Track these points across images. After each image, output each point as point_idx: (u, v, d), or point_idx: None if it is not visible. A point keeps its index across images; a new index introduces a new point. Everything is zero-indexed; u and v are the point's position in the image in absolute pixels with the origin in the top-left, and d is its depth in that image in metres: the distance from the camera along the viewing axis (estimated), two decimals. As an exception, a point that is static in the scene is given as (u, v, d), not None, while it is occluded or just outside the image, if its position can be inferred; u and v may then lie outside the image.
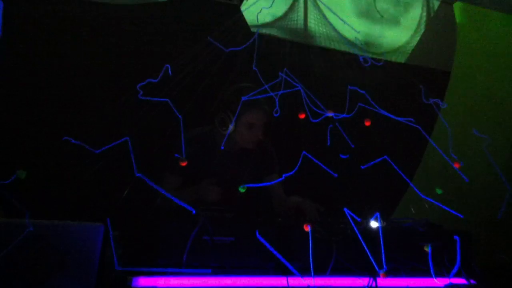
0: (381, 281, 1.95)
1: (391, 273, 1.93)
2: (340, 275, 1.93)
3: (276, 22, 3.38)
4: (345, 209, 1.93)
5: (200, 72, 2.61)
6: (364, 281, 1.94)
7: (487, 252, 2.62)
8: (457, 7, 3.87)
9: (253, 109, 2.69)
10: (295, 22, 3.41)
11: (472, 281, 2.09)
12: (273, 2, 3.11)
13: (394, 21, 3.78)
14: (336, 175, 2.21)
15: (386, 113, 2.38)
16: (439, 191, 2.26)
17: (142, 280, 1.70)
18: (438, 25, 3.87)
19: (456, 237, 1.99)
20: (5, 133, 2.76)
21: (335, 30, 3.42)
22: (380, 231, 1.90)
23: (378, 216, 1.98)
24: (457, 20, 3.87)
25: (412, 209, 2.62)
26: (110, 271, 1.73)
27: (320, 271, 1.86)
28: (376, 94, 2.44)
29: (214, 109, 2.74)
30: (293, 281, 1.83)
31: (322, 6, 3.45)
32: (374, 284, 1.93)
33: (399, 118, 2.40)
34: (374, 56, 3.32)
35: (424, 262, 1.95)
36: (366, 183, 2.59)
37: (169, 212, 1.92)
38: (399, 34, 3.80)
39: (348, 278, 1.95)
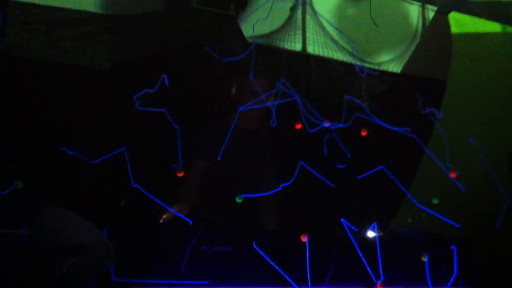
0: (378, 291, 1.94)
1: (388, 283, 1.93)
2: (337, 285, 1.93)
3: (273, 33, 3.39)
4: (342, 219, 1.93)
5: (198, 82, 2.62)
6: (361, 291, 1.94)
7: (486, 261, 2.62)
8: (452, 17, 3.90)
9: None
10: (292, 32, 3.42)
11: (470, 291, 2.09)
12: (269, 13, 3.13)
13: (390, 31, 3.80)
14: (333, 185, 2.22)
15: (382, 123, 2.39)
16: (435, 201, 2.26)
17: (139, 292, 1.70)
18: (433, 35, 3.89)
19: (453, 247, 1.99)
20: (1, 143, 2.76)
21: (332, 40, 3.43)
22: (377, 241, 1.90)
23: (375, 225, 1.98)
24: (453, 30, 3.90)
25: (409, 219, 2.62)
26: (107, 283, 1.72)
27: (318, 281, 1.85)
28: (373, 104, 2.46)
29: None
30: (291, 292, 1.83)
31: (319, 17, 3.47)
32: (371, 295, 1.92)
33: (395, 128, 2.41)
34: (371, 66, 3.34)
35: (422, 271, 1.94)
36: (363, 193, 2.59)
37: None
38: (395, 44, 3.82)
39: (345, 288, 1.95)
